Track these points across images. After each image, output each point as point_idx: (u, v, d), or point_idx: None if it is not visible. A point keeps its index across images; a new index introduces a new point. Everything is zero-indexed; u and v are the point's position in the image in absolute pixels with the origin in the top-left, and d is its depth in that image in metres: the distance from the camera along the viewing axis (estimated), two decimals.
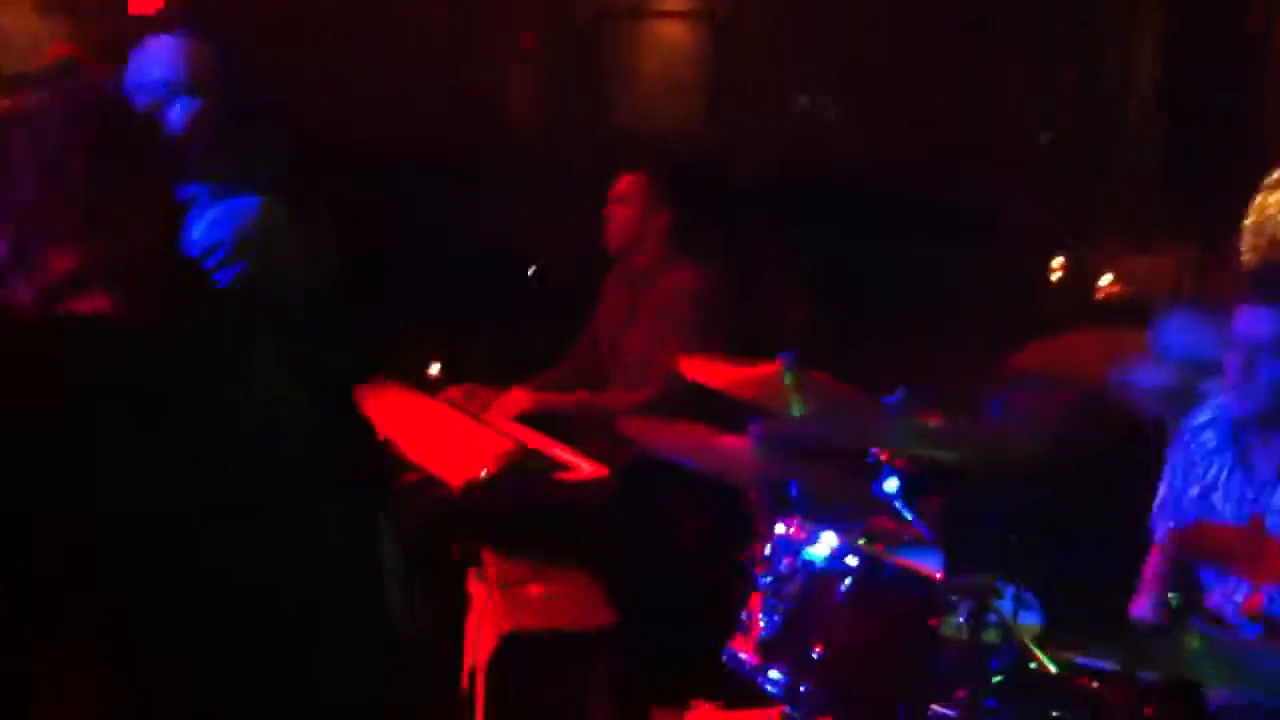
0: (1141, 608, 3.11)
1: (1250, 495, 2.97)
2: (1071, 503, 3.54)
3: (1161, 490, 3.22)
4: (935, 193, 5.35)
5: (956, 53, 5.92)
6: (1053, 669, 2.57)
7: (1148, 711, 2.78)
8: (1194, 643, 2.56)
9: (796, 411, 3.15)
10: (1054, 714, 2.82)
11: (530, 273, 5.60)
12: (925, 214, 5.26)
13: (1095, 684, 2.89)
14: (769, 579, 2.84)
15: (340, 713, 1.86)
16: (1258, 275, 3.17)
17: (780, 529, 2.89)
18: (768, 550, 2.88)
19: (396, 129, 5.49)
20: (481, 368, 4.46)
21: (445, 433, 3.79)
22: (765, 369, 3.25)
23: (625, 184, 4.32)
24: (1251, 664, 2.69)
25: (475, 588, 3.45)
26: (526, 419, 4.05)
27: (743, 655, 2.84)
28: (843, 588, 2.79)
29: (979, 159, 5.50)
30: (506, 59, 6.23)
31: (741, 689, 2.90)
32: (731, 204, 5.18)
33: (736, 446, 3.15)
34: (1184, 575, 3.07)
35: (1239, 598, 2.97)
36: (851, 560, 2.81)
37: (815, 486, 3.01)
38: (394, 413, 3.97)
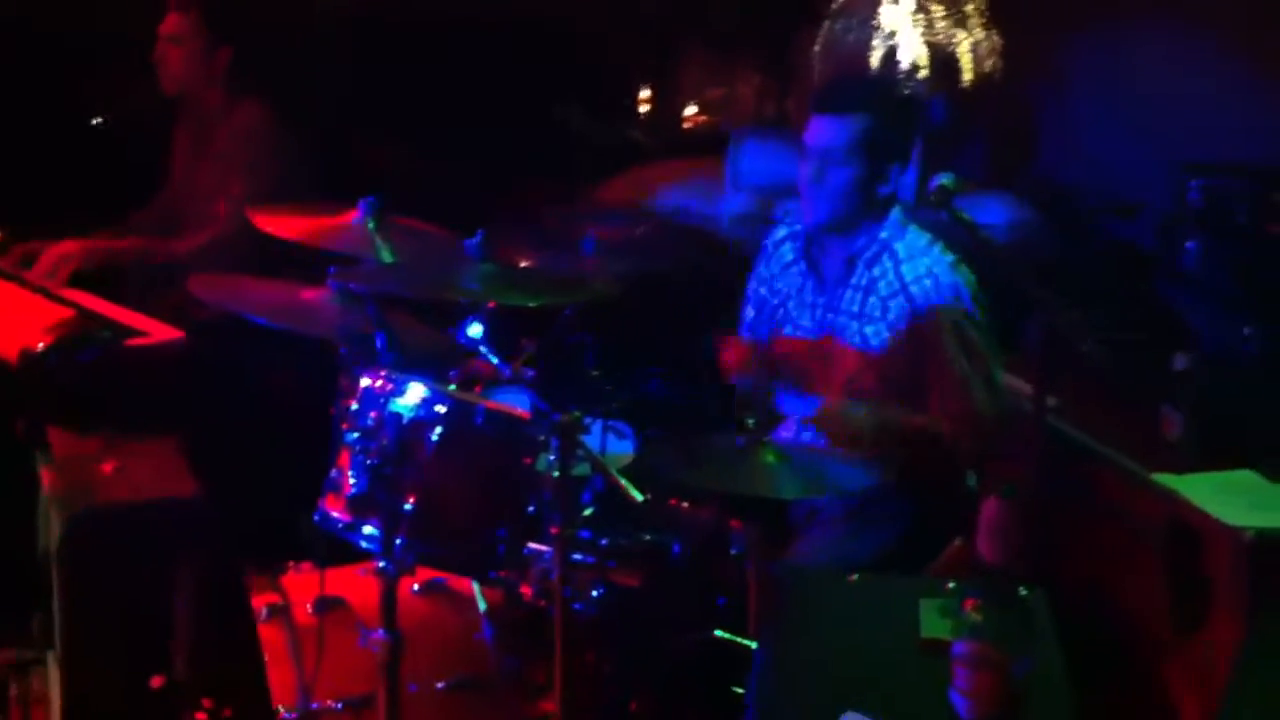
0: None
1: (822, 300, 3.12)
2: (655, 332, 3.61)
3: (745, 307, 3.33)
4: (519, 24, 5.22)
5: None
6: (639, 497, 2.62)
7: (735, 525, 2.92)
8: (770, 457, 2.69)
9: (381, 258, 3.04)
10: (645, 537, 2.91)
11: (96, 122, 5.14)
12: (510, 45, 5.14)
13: (683, 504, 3.00)
14: (356, 435, 2.75)
15: None
16: (826, 89, 3.28)
17: (366, 382, 2.80)
18: (354, 405, 2.79)
19: None
20: (49, 226, 4.08)
21: None
22: (344, 215, 3.11)
23: (175, 23, 4.02)
24: (825, 472, 2.86)
25: (43, 468, 3.18)
26: (87, 281, 3.75)
27: (334, 514, 2.76)
28: (432, 437, 2.74)
29: None
30: None
31: (336, 548, 2.82)
32: (301, 35, 4.88)
33: (315, 299, 3.01)
34: (759, 392, 3.21)
35: (811, 409, 3.13)
36: (440, 408, 2.76)
37: (400, 336, 2.92)
38: None
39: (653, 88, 5.44)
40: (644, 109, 5.44)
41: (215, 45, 4.02)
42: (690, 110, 5.40)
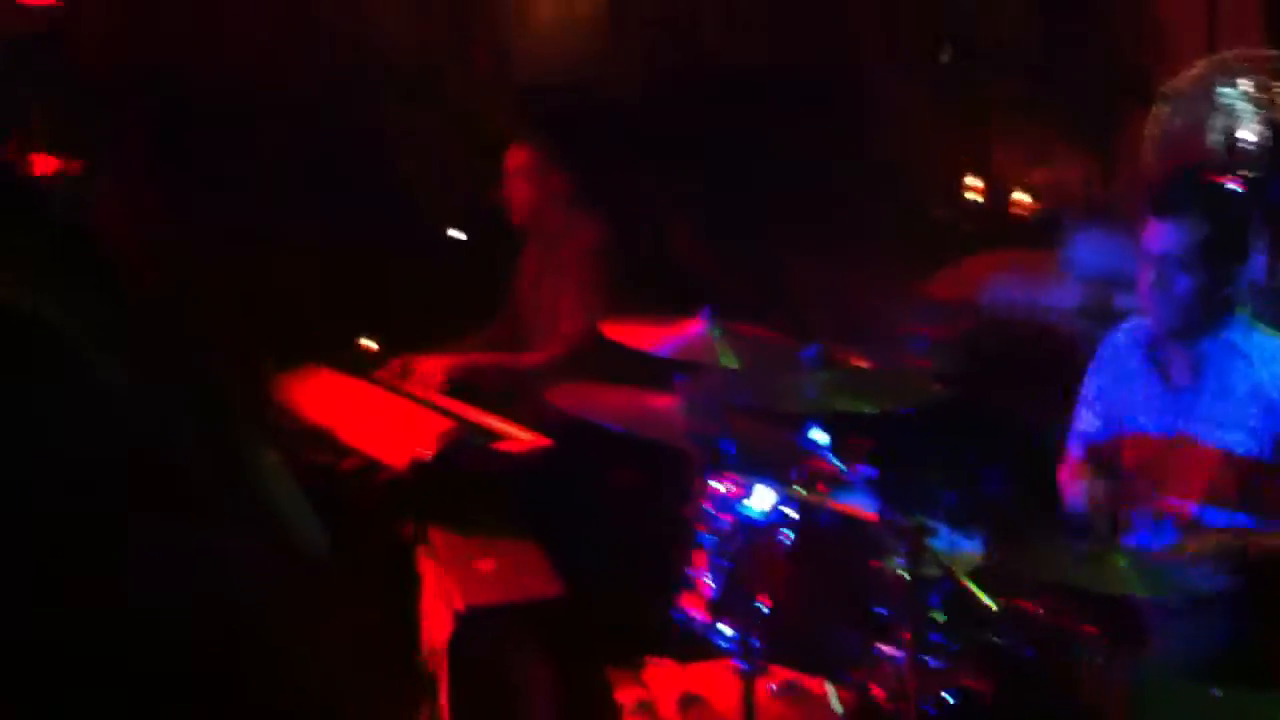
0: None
1: (1170, 405, 3.07)
2: (992, 430, 3.63)
3: (1082, 407, 3.31)
4: (842, 127, 5.36)
5: None
6: (990, 602, 2.66)
7: (1089, 630, 2.90)
8: (1122, 561, 2.67)
9: (724, 365, 3.19)
10: (997, 640, 2.92)
11: (454, 235, 5.59)
12: (832, 150, 5.28)
13: (1035, 608, 3.00)
14: (710, 537, 2.91)
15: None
16: (1160, 189, 3.24)
17: (717, 486, 2.95)
18: (707, 508, 2.95)
19: (266, 98, 5.33)
20: (416, 335, 4.47)
21: (383, 414, 3.81)
22: (687, 324, 3.29)
23: (518, 157, 4.31)
24: (1178, 574, 2.81)
25: (426, 566, 3.49)
26: (455, 389, 4.08)
27: (692, 613, 2.91)
28: (782, 539, 2.87)
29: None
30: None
31: (692, 644, 2.97)
32: (632, 154, 5.15)
33: (665, 405, 3.20)
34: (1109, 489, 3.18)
35: (1165, 511, 3.08)
36: (788, 512, 2.88)
37: (745, 439, 3.07)
38: (329, 397, 3.98)
39: (979, 173, 5.45)
40: (970, 195, 5.45)
41: (553, 176, 4.29)
42: (1018, 195, 5.38)
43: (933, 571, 2.78)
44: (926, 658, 2.77)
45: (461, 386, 4.10)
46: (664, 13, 5.89)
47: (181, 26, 5.25)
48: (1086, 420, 3.28)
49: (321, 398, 3.97)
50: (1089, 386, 3.28)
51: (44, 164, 3.77)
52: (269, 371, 4.05)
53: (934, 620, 2.83)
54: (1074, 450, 3.29)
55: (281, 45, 5.42)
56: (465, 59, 5.79)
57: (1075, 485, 3.20)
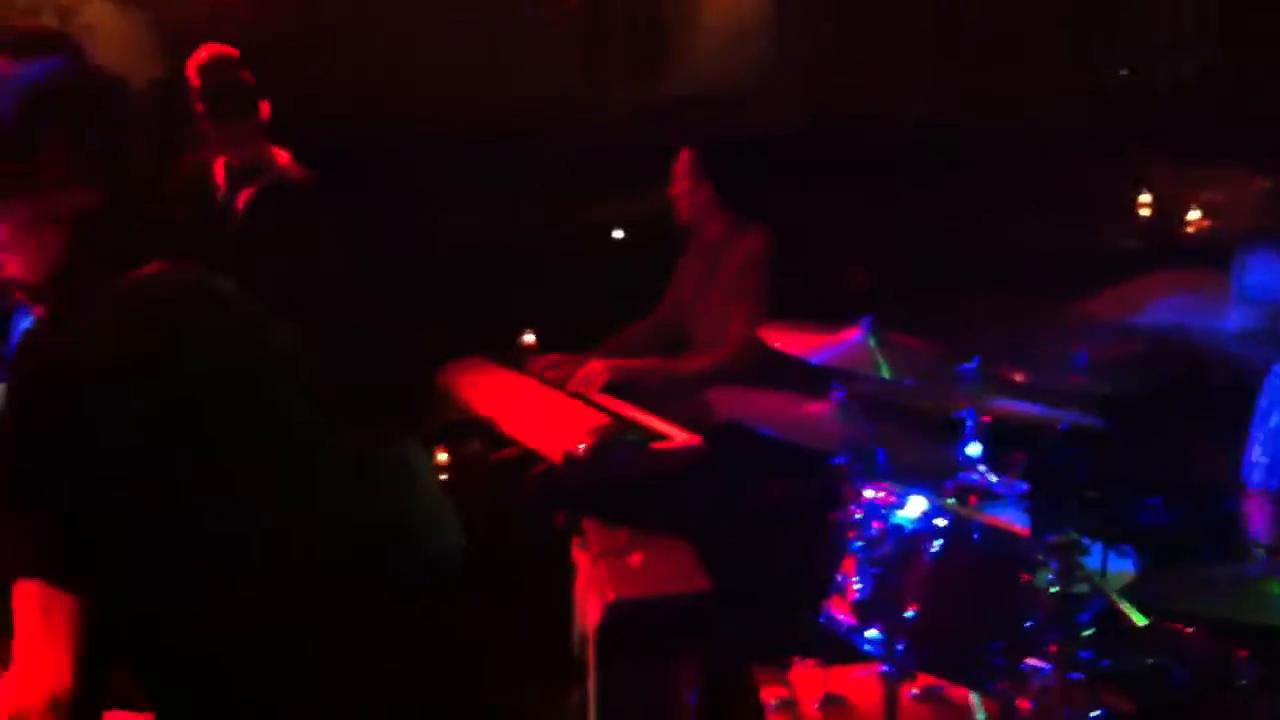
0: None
1: None
2: (1152, 452, 3.58)
3: (1255, 433, 3.24)
4: (1005, 139, 5.32)
5: None
6: (1140, 620, 2.64)
7: (1241, 654, 2.85)
8: (1278, 588, 2.62)
9: (882, 375, 3.21)
10: (1148, 661, 2.89)
11: (615, 236, 5.71)
12: (997, 161, 5.24)
13: (1187, 630, 2.96)
14: (860, 543, 2.94)
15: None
16: None
17: (869, 493, 2.98)
18: (858, 514, 2.98)
19: (438, 110, 5.50)
20: (574, 334, 4.58)
21: (542, 408, 3.92)
22: (846, 333, 3.32)
23: (683, 162, 4.41)
24: None
25: (579, 557, 3.58)
26: (614, 387, 4.17)
27: (840, 616, 2.95)
28: (932, 549, 2.88)
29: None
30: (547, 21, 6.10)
31: (838, 647, 3.00)
32: (790, 168, 5.18)
33: (820, 412, 3.23)
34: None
35: None
36: (940, 521, 2.90)
37: (898, 448, 3.09)
38: (491, 390, 4.12)
39: (1151, 192, 5.35)
40: (1142, 213, 5.36)
41: (701, 182, 4.36)
42: (1192, 215, 5.26)
43: (1083, 588, 2.77)
44: (1074, 674, 2.76)
45: (620, 385, 4.19)
46: (829, 29, 5.94)
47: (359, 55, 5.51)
48: (1256, 453, 3.21)
49: (484, 390, 4.10)
50: (1263, 409, 3.21)
51: (281, 155, 3.97)
52: (434, 366, 4.21)
53: (1083, 636, 2.81)
54: (1249, 481, 3.22)
55: (451, 60, 5.62)
56: (630, 67, 5.92)
57: (1256, 517, 3.14)
